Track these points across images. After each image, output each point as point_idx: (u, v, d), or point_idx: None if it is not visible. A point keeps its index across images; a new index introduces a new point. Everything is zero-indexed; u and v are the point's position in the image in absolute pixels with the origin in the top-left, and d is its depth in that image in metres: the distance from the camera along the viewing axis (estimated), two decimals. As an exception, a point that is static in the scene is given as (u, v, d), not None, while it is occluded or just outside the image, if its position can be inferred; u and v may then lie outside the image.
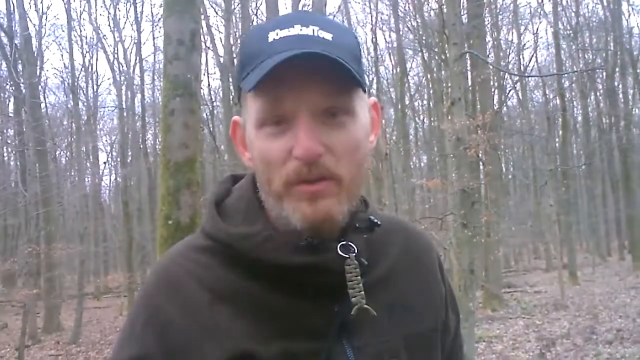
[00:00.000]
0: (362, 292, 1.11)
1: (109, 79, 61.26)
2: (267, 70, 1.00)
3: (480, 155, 12.02)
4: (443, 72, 22.74)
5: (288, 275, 1.11)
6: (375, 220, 1.20)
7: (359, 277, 1.11)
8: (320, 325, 1.11)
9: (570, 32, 32.30)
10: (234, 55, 24.06)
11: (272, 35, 1.07)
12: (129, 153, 35.45)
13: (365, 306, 1.10)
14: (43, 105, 31.16)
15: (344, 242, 1.13)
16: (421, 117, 39.56)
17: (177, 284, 1.14)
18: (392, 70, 34.91)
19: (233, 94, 22.65)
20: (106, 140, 44.13)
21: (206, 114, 28.82)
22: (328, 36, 1.08)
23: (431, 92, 30.61)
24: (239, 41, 24.49)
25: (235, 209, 1.19)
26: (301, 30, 1.06)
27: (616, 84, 33.81)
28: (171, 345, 1.10)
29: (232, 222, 1.17)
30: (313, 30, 1.07)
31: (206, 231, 1.19)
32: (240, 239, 1.13)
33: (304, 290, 1.10)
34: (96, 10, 54.22)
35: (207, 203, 1.22)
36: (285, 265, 1.10)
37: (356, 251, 1.13)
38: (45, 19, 50.90)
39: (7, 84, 27.94)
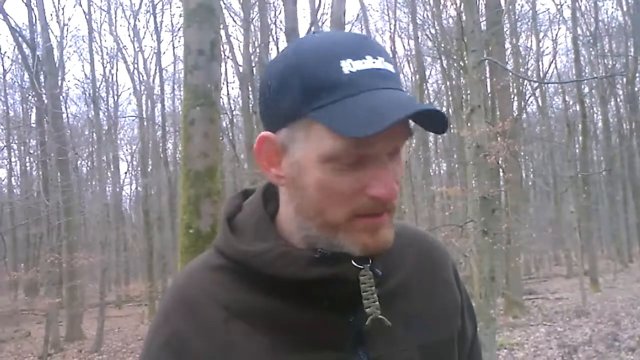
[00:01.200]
0: (377, 303, 1.12)
1: (129, 88, 62.02)
2: (383, 128, 0.98)
3: (500, 162, 12.01)
4: (462, 79, 22.70)
5: (304, 289, 1.12)
6: None
7: (374, 288, 1.12)
8: (336, 337, 1.13)
9: (590, 37, 32.14)
10: (253, 65, 24.17)
11: (346, 66, 1.05)
12: (150, 162, 35.64)
13: (380, 316, 1.12)
14: (64, 115, 31.32)
15: None
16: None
17: (194, 304, 1.15)
18: (411, 77, 34.83)
19: (255, 102, 22.72)
20: (127, 150, 44.37)
21: (225, 123, 28.91)
22: (391, 68, 1.09)
23: (450, 99, 30.51)
24: (258, 50, 24.60)
25: (247, 225, 1.20)
26: (374, 63, 1.06)
27: (636, 89, 33.55)
28: None
29: (244, 238, 1.17)
30: (382, 63, 1.07)
31: (220, 249, 1.20)
32: (254, 257, 1.13)
33: (319, 303, 1.12)
34: (116, 21, 54.41)
35: (219, 219, 1.26)
36: (302, 280, 1.11)
37: (370, 262, 1.14)
38: (67, 30, 51.25)
39: (30, 95, 28.19)
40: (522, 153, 25.92)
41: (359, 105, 1.02)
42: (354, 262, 1.11)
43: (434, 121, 1.07)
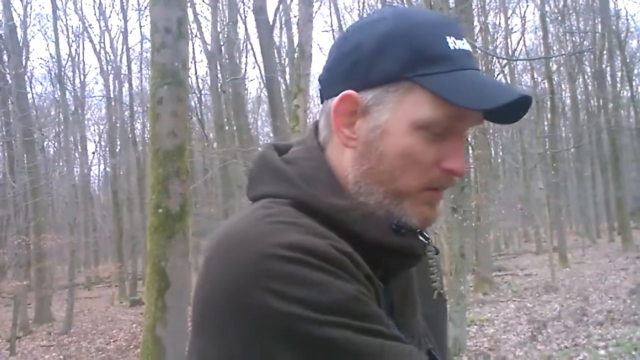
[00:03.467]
0: (440, 278, 1.20)
1: (96, 68, 61.31)
2: (500, 104, 1.03)
3: (469, 139, 12.01)
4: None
5: (374, 254, 1.09)
6: None
7: (436, 262, 1.19)
8: (379, 304, 1.08)
9: (558, 15, 32.32)
10: (221, 43, 23.99)
11: (451, 43, 1.09)
12: (118, 143, 35.40)
13: (441, 291, 1.20)
14: (30, 95, 31.03)
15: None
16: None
17: (339, 258, 1.03)
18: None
19: (224, 82, 22.57)
20: (94, 130, 44.04)
21: (194, 102, 28.71)
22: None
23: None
24: (226, 29, 24.38)
25: (315, 179, 1.14)
26: (464, 45, 1.11)
27: (604, 66, 33.84)
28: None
29: (322, 193, 1.12)
30: (467, 46, 1.13)
31: (302, 202, 1.10)
32: (341, 212, 1.09)
33: (375, 270, 1.08)
34: (82, -1, 53.89)
35: (276, 171, 1.16)
36: (382, 245, 1.10)
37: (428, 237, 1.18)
38: (30, 9, 50.62)
39: (-7, 75, 27.77)
40: (491, 130, 26.02)
41: (469, 80, 1.07)
42: (420, 237, 1.16)
43: (514, 111, 1.10)
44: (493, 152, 32.16)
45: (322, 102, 1.20)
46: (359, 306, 0.98)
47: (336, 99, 1.12)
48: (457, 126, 1.09)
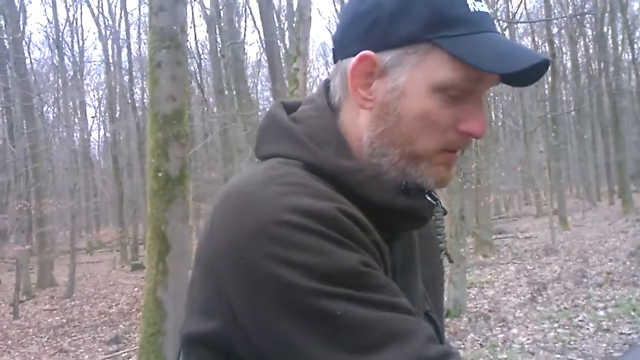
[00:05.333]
0: (446, 240, 1.21)
1: (94, 33, 60.79)
2: (522, 67, 1.03)
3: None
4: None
5: (382, 216, 1.09)
6: None
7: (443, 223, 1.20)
8: (384, 266, 1.08)
9: (559, -24, 32.01)
10: (220, 7, 23.78)
11: (471, 5, 1.08)
12: (117, 108, 35.28)
13: (447, 253, 1.22)
14: (28, 61, 30.84)
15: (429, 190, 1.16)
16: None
17: (347, 222, 1.03)
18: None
19: (224, 46, 22.38)
20: (94, 96, 43.86)
21: (193, 67, 28.57)
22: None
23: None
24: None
25: (321, 141, 1.13)
26: (483, 6, 1.10)
27: (605, 29, 33.61)
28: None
29: (328, 153, 1.12)
30: (487, 7, 1.12)
31: (310, 163, 1.09)
32: (348, 173, 1.09)
33: (383, 231, 1.08)
34: (79, -38, 53.42)
35: (285, 130, 1.15)
36: (390, 206, 1.10)
37: (437, 199, 1.19)
38: (28, -27, 50.11)
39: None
40: (491, 93, 25.89)
41: (490, 43, 1.06)
42: (428, 198, 1.16)
43: (531, 74, 1.09)
44: (493, 115, 32.05)
45: (335, 62, 1.19)
46: (363, 277, 0.97)
47: (353, 59, 1.11)
48: (475, 88, 1.09)
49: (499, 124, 37.54)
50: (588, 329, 8.91)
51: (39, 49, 54.36)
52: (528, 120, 30.97)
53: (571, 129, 43.13)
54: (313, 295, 0.94)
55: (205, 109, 27.73)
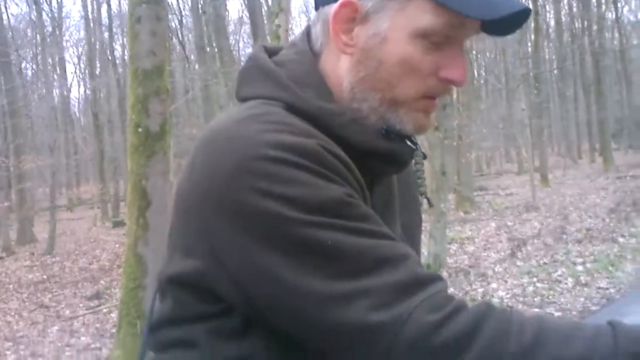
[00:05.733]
0: (426, 184, 1.22)
1: (73, -12, 59.78)
2: (506, 13, 1.02)
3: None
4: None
5: (361, 160, 1.09)
6: None
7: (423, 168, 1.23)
8: None
9: None
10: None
11: None
12: (97, 65, 34.90)
13: (427, 197, 1.24)
14: (5, 16, 30.39)
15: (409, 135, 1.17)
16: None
17: (329, 158, 1.03)
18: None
19: (205, 3, 22.13)
20: (73, 52, 43.41)
21: (175, 24, 28.29)
22: None
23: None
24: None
25: (306, 83, 1.12)
26: None
27: (589, -14, 33.54)
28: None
29: (309, 95, 1.11)
30: None
31: (291, 103, 1.09)
32: (330, 115, 1.09)
33: (363, 176, 1.08)
34: None
35: (267, 73, 1.14)
36: (371, 149, 1.11)
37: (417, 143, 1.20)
38: None
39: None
40: (474, 51, 25.86)
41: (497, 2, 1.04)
42: (408, 142, 1.17)
43: (512, 23, 1.09)
44: (476, 72, 32.07)
45: (316, 10, 1.19)
46: (348, 207, 0.98)
47: (335, 5, 1.11)
48: (457, 36, 1.09)
49: (482, 81, 37.62)
50: (567, 283, 9.01)
51: (16, 4, 53.51)
52: (510, 78, 31.02)
53: (553, 87, 43.20)
54: (301, 226, 0.94)
55: (187, 65, 27.55)
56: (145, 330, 1.18)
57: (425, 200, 1.29)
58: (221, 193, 0.97)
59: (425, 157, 1.24)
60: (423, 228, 1.44)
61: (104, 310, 10.37)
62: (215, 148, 1.01)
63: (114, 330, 7.96)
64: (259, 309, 0.99)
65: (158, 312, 1.15)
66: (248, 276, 0.98)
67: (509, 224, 15.67)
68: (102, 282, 13.34)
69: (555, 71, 35.76)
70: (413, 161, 1.22)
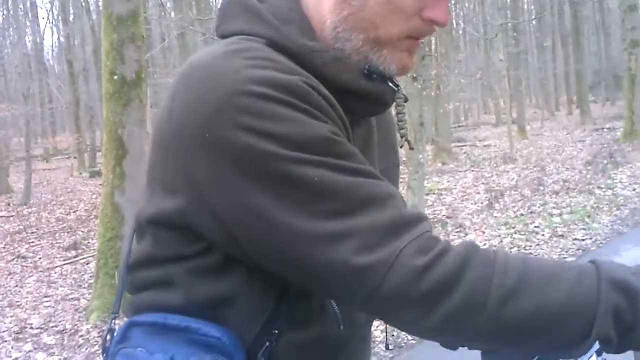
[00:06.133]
0: (407, 126, 1.22)
1: None
2: None
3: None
4: None
5: (344, 99, 1.08)
6: None
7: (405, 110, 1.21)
8: None
9: None
10: None
11: None
12: (71, 11, 34.31)
13: (408, 140, 1.24)
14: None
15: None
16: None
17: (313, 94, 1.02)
18: None
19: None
20: (45, -3, 42.61)
21: (151, -32, 27.77)
22: None
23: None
24: None
25: (288, 20, 1.10)
26: None
27: None
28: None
29: (292, 33, 1.09)
30: None
31: (274, 40, 1.06)
32: (313, 52, 1.07)
33: (346, 116, 1.08)
34: None
35: (249, 8, 1.11)
36: (352, 89, 1.10)
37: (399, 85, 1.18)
38: None
39: None
40: (452, 0, 25.67)
41: None
42: (390, 84, 1.16)
43: None
44: (454, 22, 31.90)
45: None
46: (333, 145, 0.97)
47: None
48: None
49: (460, 31, 37.44)
50: (543, 234, 9.09)
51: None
52: (489, 28, 30.85)
53: (531, 38, 43.18)
54: (286, 162, 0.93)
55: (163, 13, 27.12)
56: (122, 272, 1.17)
57: (406, 143, 1.28)
58: (204, 130, 0.95)
59: (406, 99, 1.22)
60: (401, 180, 1.45)
61: (82, 260, 10.32)
62: (197, 84, 0.99)
63: (91, 281, 7.94)
64: (242, 247, 0.98)
65: (135, 253, 1.14)
66: (231, 214, 0.96)
67: (486, 175, 15.74)
68: (79, 232, 13.27)
69: (534, 22, 35.60)
70: (394, 103, 1.21)
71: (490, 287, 0.90)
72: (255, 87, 0.94)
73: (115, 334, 1.09)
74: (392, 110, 1.27)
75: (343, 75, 1.08)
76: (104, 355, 1.12)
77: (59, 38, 41.55)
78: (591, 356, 1.01)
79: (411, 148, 1.32)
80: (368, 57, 1.10)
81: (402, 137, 1.25)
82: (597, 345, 0.94)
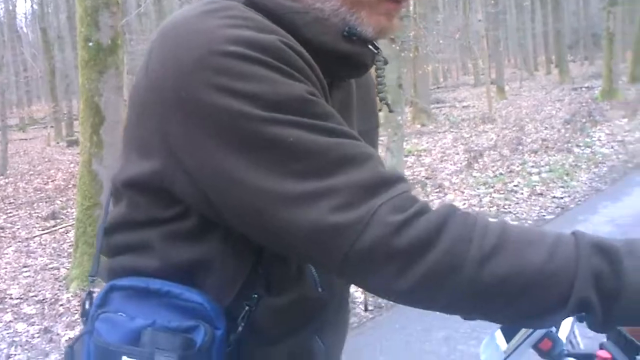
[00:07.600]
0: (386, 89, 1.20)
1: None
2: None
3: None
4: None
5: (323, 61, 1.05)
6: None
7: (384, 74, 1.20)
8: None
9: None
10: None
11: None
12: (44, -23, 33.81)
13: (387, 103, 1.23)
14: None
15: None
16: None
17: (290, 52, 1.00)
18: None
19: None
20: (18, -36, 41.89)
21: None
22: None
23: None
24: None
25: None
26: None
27: None
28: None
29: None
30: None
31: (255, 1, 1.04)
32: (291, 13, 1.05)
33: (325, 78, 1.06)
34: None
35: None
36: (332, 50, 1.08)
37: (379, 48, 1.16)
38: None
39: None
40: (431, -39, 25.49)
41: None
42: (370, 47, 1.14)
43: None
44: (433, -17, 31.71)
45: None
46: (310, 105, 0.96)
47: None
48: None
49: (439, -7, 37.26)
50: (522, 193, 9.15)
51: None
52: (468, -11, 30.74)
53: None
54: (262, 123, 0.91)
55: (138, -23, 26.76)
56: (99, 235, 1.15)
57: (385, 106, 1.26)
58: (179, 90, 0.94)
59: (386, 62, 1.20)
60: (380, 142, 1.43)
61: (61, 230, 10.27)
62: (172, 43, 0.97)
63: (71, 250, 7.90)
64: (218, 209, 0.97)
65: (112, 216, 1.14)
66: (207, 175, 0.95)
67: (465, 135, 15.79)
68: (57, 202, 13.19)
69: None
70: (374, 66, 1.19)
71: (469, 247, 0.89)
72: (231, 46, 0.92)
73: (94, 297, 1.09)
74: (372, 72, 1.25)
75: (322, 37, 1.06)
76: (84, 319, 1.11)
77: (32, 5, 40.98)
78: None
79: (391, 111, 1.30)
80: (346, 19, 1.08)
81: (381, 100, 1.24)
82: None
